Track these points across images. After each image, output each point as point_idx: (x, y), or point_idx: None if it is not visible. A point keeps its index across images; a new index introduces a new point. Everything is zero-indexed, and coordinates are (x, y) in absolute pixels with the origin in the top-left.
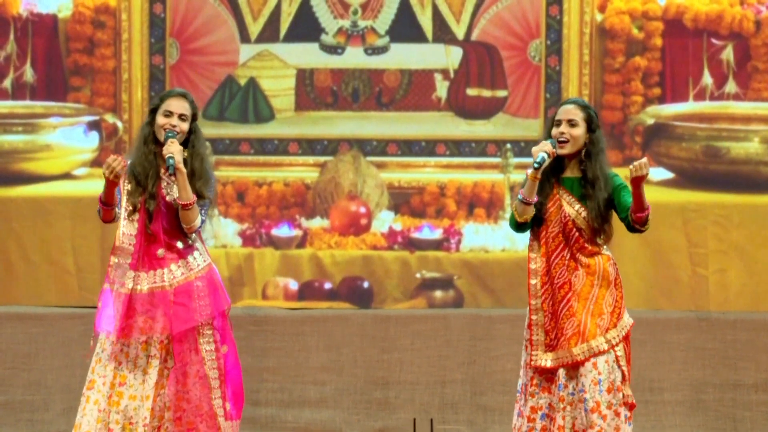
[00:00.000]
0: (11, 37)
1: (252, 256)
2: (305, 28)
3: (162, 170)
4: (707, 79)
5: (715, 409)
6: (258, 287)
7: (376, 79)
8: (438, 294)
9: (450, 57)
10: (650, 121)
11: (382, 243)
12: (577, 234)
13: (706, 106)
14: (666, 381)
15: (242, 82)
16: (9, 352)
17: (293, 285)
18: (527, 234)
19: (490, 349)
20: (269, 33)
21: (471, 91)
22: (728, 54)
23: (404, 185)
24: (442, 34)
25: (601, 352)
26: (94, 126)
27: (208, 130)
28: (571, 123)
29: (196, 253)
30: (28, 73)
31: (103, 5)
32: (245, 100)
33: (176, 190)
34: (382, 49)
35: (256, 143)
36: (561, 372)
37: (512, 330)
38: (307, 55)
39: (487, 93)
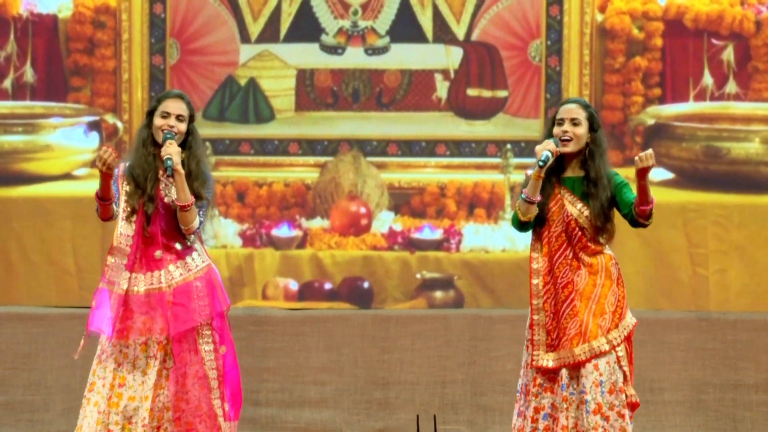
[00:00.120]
0: (11, 37)
1: (252, 256)
2: (305, 28)
3: (161, 172)
4: (707, 79)
5: (715, 409)
6: (258, 287)
7: (377, 79)
8: (438, 294)
9: (450, 57)
10: (651, 122)
11: (383, 243)
12: (579, 233)
13: (707, 107)
14: (666, 381)
15: (242, 82)
16: (9, 352)
17: (293, 285)
18: (527, 234)
19: (491, 349)
20: (269, 33)
21: (471, 92)
22: (729, 54)
23: (404, 185)
24: (443, 34)
25: (602, 353)
26: (94, 126)
27: (209, 130)
28: (574, 122)
29: (194, 254)
30: (29, 74)
31: (103, 5)
32: (245, 101)
33: (174, 192)
34: (383, 50)
35: (257, 143)
36: (564, 372)
37: (512, 330)
38: (307, 55)
39: (487, 93)
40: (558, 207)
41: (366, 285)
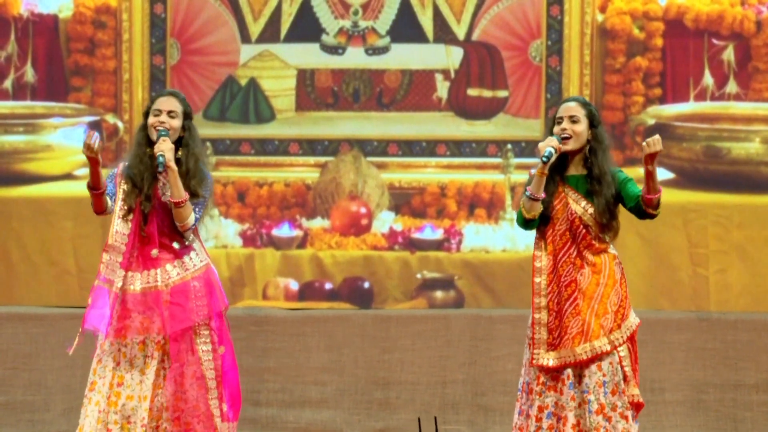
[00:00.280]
0: (12, 37)
1: (253, 256)
2: (306, 28)
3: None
4: (708, 79)
5: (715, 409)
6: (259, 287)
7: (377, 79)
8: (439, 294)
9: (451, 57)
10: (651, 122)
11: (383, 243)
12: (584, 231)
13: (707, 107)
14: (667, 381)
15: (243, 82)
16: (10, 353)
17: (294, 285)
18: (527, 234)
19: (491, 349)
20: (270, 33)
21: (472, 92)
22: (729, 54)
23: (405, 185)
24: (443, 34)
25: (604, 353)
26: (94, 126)
27: (209, 130)
28: (573, 119)
29: (192, 253)
30: (29, 74)
31: (103, 5)
32: (246, 101)
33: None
34: (383, 50)
35: (257, 143)
36: (569, 371)
37: (513, 330)
38: (307, 55)
39: (487, 93)
40: (562, 205)
41: (366, 285)
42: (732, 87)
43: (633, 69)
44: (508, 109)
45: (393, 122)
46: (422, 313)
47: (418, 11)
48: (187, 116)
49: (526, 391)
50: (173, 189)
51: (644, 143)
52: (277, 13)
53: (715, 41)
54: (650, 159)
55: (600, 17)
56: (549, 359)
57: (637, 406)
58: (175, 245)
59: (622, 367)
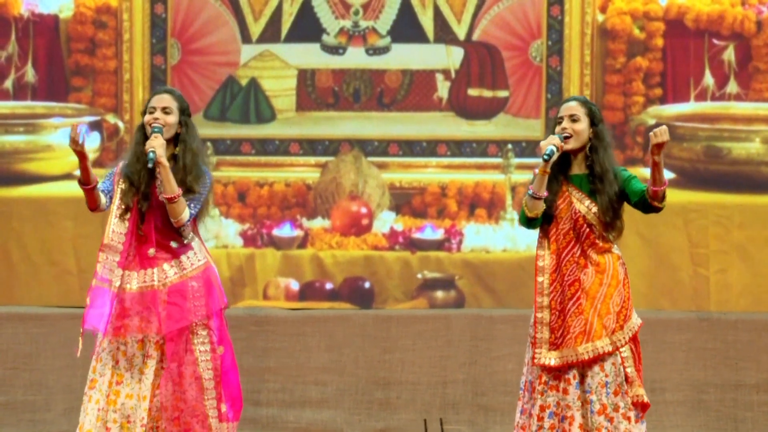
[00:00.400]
0: (12, 37)
1: (253, 256)
2: (306, 28)
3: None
4: (708, 79)
5: (716, 409)
6: (259, 287)
7: (378, 79)
8: (439, 294)
9: (451, 57)
10: (651, 122)
11: (384, 243)
12: (588, 230)
13: (708, 107)
14: (667, 381)
15: (243, 82)
16: (10, 353)
17: (294, 285)
18: (528, 234)
19: (492, 349)
20: (270, 33)
21: (472, 92)
22: (729, 54)
23: (405, 185)
24: (444, 34)
25: (606, 354)
26: (95, 126)
27: (210, 130)
28: (573, 118)
29: (190, 253)
30: (30, 74)
31: (104, 5)
32: (246, 101)
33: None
34: (384, 50)
35: (258, 143)
36: (575, 370)
37: (513, 330)
38: (308, 55)
39: (488, 93)
40: (566, 204)
41: (367, 285)
42: (732, 87)
43: (633, 69)
44: (508, 109)
45: (393, 122)
46: (423, 313)
47: (419, 11)
48: (184, 112)
49: (528, 390)
50: (165, 185)
51: (651, 133)
52: (277, 13)
53: (715, 41)
54: (657, 149)
55: (600, 17)
56: (551, 359)
57: (642, 407)
58: (173, 244)
59: (624, 368)
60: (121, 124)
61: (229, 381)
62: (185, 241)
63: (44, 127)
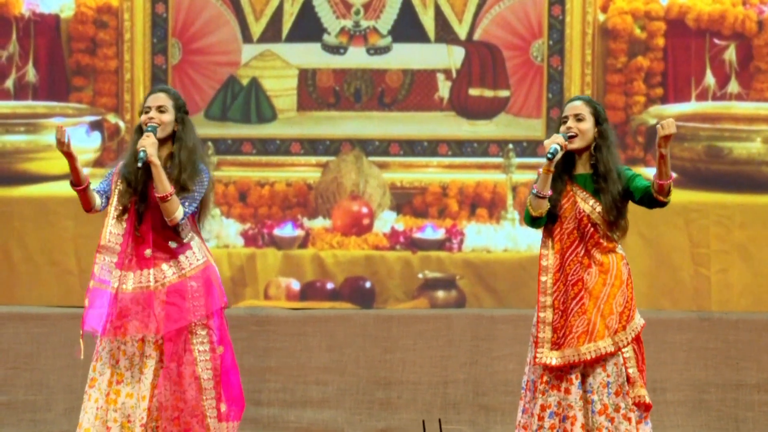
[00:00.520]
0: (13, 37)
1: (254, 256)
2: (307, 28)
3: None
4: (709, 79)
5: (717, 409)
6: (260, 287)
7: (379, 79)
8: (440, 294)
9: (452, 57)
10: (652, 122)
11: (385, 243)
12: (592, 230)
13: (709, 107)
14: (668, 381)
15: (244, 82)
16: (11, 352)
17: (295, 285)
18: (529, 234)
19: (492, 349)
20: (271, 33)
21: (473, 91)
22: (731, 54)
23: (406, 185)
24: (445, 34)
25: (608, 354)
26: (96, 126)
27: (211, 130)
28: (578, 117)
29: (189, 252)
30: (31, 73)
31: (105, 5)
32: (247, 100)
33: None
34: (385, 49)
35: (259, 143)
36: (577, 371)
37: (514, 330)
38: (309, 55)
39: (489, 93)
40: (570, 204)
41: (368, 285)
42: (733, 87)
43: (634, 69)
44: (509, 109)
45: (394, 122)
46: (424, 312)
47: (420, 11)
48: (180, 109)
49: (530, 390)
50: (157, 183)
51: (658, 125)
52: (278, 12)
53: (716, 41)
54: (664, 141)
55: (601, 17)
56: (552, 358)
57: (645, 407)
58: (172, 244)
59: (626, 368)
60: (122, 124)
61: (229, 381)
62: (184, 241)
63: (45, 127)
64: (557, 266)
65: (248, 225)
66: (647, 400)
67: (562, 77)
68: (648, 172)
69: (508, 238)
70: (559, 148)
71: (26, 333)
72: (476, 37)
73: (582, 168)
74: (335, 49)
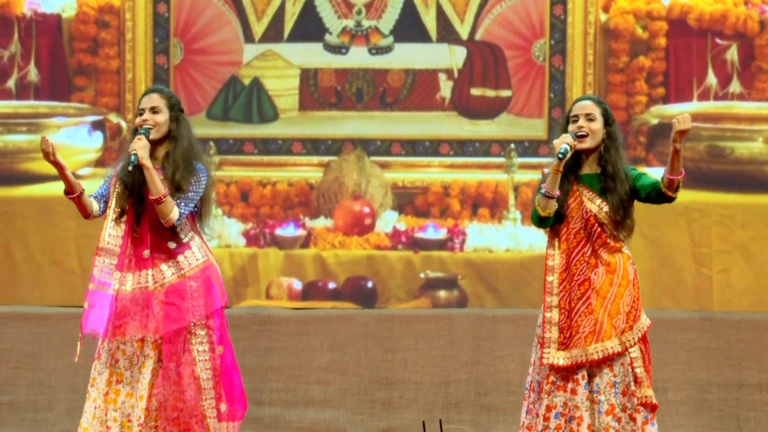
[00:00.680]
0: (15, 36)
1: (256, 256)
2: (309, 28)
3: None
4: (711, 79)
5: (719, 409)
6: (262, 287)
7: (380, 79)
8: (442, 294)
9: (454, 57)
10: (654, 121)
11: (386, 243)
12: (599, 229)
13: (710, 106)
14: (670, 381)
15: (246, 82)
16: (13, 352)
17: (297, 285)
18: (531, 234)
19: (494, 349)
20: (273, 33)
21: (475, 91)
22: (732, 54)
23: (408, 185)
24: (446, 33)
25: (616, 354)
26: (98, 126)
27: (212, 130)
28: (589, 117)
29: (188, 252)
30: (32, 73)
31: (107, 5)
32: (249, 100)
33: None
34: (386, 49)
35: (260, 143)
36: (584, 371)
37: (516, 330)
38: (311, 54)
39: (491, 93)
40: (577, 204)
41: (370, 284)
42: (735, 86)
43: (636, 68)
44: (511, 109)
45: (396, 122)
46: (425, 312)
47: (422, 11)
48: (173, 108)
49: (535, 390)
50: (150, 186)
51: (675, 120)
52: (280, 12)
53: (718, 41)
54: (680, 136)
55: (603, 17)
56: (559, 358)
57: (651, 407)
58: (171, 245)
59: (633, 368)
60: (123, 124)
61: (231, 381)
62: (184, 241)
63: (47, 127)
64: (563, 266)
65: (250, 225)
66: (654, 400)
67: (563, 77)
68: (650, 172)
69: (510, 238)
70: (569, 148)
71: (28, 333)
72: (478, 36)
73: (588, 168)
74: (337, 49)
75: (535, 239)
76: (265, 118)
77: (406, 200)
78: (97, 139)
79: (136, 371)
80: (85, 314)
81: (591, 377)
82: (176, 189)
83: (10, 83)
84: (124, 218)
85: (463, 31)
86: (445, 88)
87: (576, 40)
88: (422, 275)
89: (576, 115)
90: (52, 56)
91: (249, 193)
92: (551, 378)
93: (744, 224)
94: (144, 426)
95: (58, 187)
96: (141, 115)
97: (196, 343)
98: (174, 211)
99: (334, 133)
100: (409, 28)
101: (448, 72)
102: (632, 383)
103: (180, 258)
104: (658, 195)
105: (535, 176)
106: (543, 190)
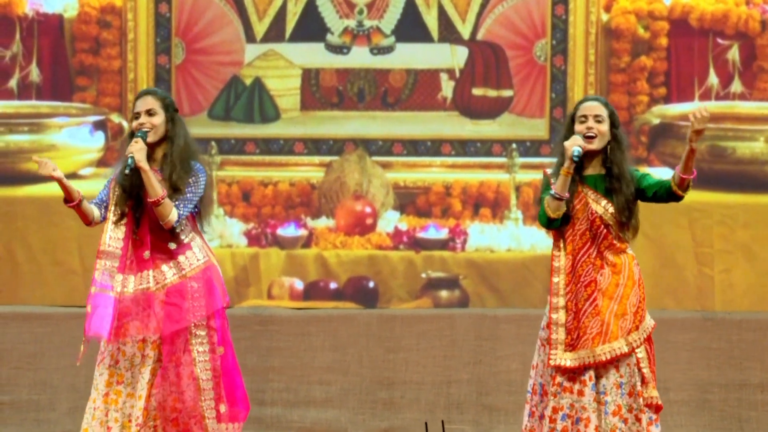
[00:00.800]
0: (17, 36)
1: (257, 255)
2: (311, 27)
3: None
4: (713, 78)
5: (720, 409)
6: (263, 287)
7: (382, 78)
8: (443, 294)
9: (455, 57)
10: (656, 121)
11: (388, 243)
12: (605, 230)
13: (712, 106)
14: (671, 381)
15: (248, 81)
16: (15, 352)
17: (299, 285)
18: (532, 234)
19: (496, 349)
20: (275, 33)
21: (476, 91)
22: (734, 54)
23: (410, 185)
24: (448, 33)
25: (622, 355)
26: (99, 126)
27: (214, 129)
28: (598, 119)
29: (189, 253)
30: (34, 73)
31: (108, 5)
32: (251, 100)
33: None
34: (388, 49)
35: (262, 143)
36: (591, 372)
37: (518, 330)
38: (312, 54)
39: (492, 93)
40: (582, 205)
41: (371, 284)
42: (737, 86)
43: (638, 68)
44: (512, 109)
45: (398, 122)
46: (427, 312)
47: (423, 11)
48: (168, 109)
49: (538, 393)
50: (147, 188)
51: (691, 116)
52: (282, 12)
53: (719, 41)
54: (696, 136)
55: (605, 17)
56: (567, 360)
57: (656, 408)
58: (171, 246)
59: (639, 368)
60: (125, 124)
61: (231, 382)
62: (184, 241)
63: (48, 127)
64: (569, 267)
65: (251, 225)
66: (659, 401)
67: (565, 77)
68: (652, 172)
69: (512, 238)
70: (581, 149)
71: (30, 333)
72: (479, 36)
73: (592, 169)
74: (338, 49)
75: (537, 239)
76: (266, 118)
77: (408, 200)
78: (99, 139)
79: (136, 372)
80: (89, 318)
81: (597, 378)
82: (174, 190)
83: (12, 83)
84: (124, 221)
85: (465, 31)
86: (447, 88)
87: (577, 39)
88: (424, 275)
89: (584, 116)
90: (53, 56)
91: (250, 193)
92: (558, 379)
93: (746, 224)
94: (143, 426)
95: (59, 188)
96: (137, 118)
97: (196, 344)
98: (173, 213)
99: (336, 133)
100: (411, 28)
101: (450, 72)
102: (638, 383)
103: (181, 258)
104: (668, 193)
105: (536, 176)
106: (553, 192)
